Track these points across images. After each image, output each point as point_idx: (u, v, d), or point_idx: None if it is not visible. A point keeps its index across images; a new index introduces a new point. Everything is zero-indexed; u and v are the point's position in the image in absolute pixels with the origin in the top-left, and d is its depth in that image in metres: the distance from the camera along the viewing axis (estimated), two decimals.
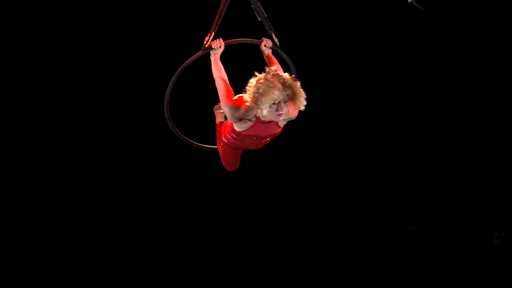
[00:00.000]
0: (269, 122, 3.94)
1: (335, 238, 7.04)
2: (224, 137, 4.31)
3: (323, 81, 6.88)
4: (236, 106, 3.88)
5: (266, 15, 4.49)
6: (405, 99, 7.02)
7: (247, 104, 3.78)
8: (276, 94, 3.68)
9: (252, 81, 3.76)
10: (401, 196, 7.09)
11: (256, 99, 3.71)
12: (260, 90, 3.69)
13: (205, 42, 4.30)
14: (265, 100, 3.69)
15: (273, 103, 3.71)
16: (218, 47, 4.26)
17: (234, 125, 4.05)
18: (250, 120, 3.93)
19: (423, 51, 6.89)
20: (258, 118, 3.91)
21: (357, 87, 7.01)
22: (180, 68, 4.41)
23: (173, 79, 4.43)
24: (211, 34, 4.32)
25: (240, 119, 3.92)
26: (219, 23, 4.34)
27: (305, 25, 6.82)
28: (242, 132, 4.05)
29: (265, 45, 4.45)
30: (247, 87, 3.77)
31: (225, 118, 4.52)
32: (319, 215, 7.08)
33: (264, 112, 3.73)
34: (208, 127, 4.94)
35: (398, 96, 7.02)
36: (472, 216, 6.91)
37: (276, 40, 4.50)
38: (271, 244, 6.99)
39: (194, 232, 6.92)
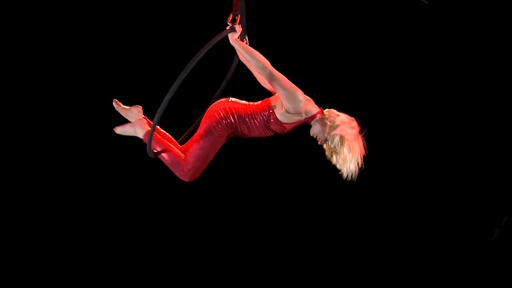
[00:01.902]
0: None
1: (333, 238, 6.98)
2: (244, 116, 4.13)
3: (322, 81, 6.83)
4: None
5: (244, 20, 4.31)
6: (405, 98, 6.93)
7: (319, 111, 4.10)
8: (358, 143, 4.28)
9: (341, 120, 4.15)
10: (402, 191, 7.02)
11: (332, 126, 4.07)
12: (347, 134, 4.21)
13: (229, 22, 3.95)
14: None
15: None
16: (238, 30, 4.01)
17: (279, 115, 4.04)
18: (303, 116, 4.05)
19: (427, 47, 6.80)
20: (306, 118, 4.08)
21: (356, 87, 6.91)
22: (204, 47, 3.79)
23: (190, 65, 3.76)
24: (237, 15, 3.98)
25: (300, 112, 4.02)
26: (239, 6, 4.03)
27: (304, 24, 6.75)
28: (284, 123, 4.07)
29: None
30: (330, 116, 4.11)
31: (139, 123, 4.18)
32: (318, 215, 7.00)
33: (338, 128, 4.11)
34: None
35: (397, 95, 6.94)
36: (472, 210, 6.86)
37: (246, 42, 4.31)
38: (269, 245, 6.93)
39: (193, 233, 6.86)
